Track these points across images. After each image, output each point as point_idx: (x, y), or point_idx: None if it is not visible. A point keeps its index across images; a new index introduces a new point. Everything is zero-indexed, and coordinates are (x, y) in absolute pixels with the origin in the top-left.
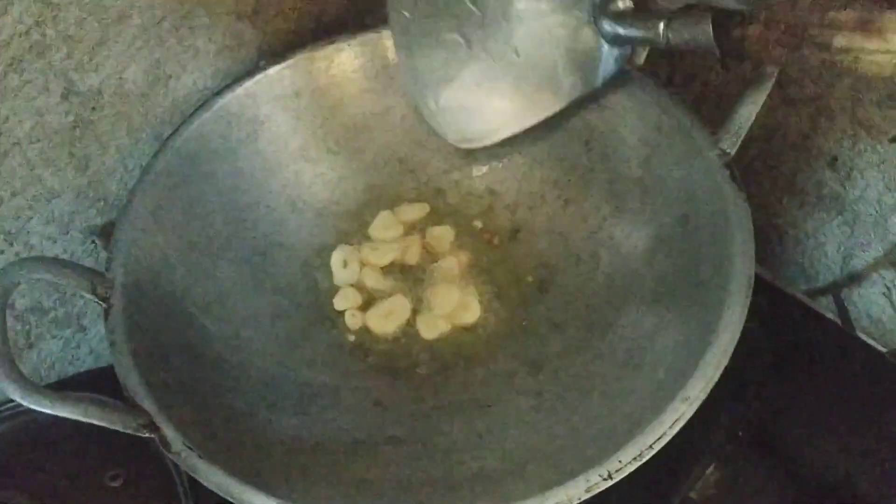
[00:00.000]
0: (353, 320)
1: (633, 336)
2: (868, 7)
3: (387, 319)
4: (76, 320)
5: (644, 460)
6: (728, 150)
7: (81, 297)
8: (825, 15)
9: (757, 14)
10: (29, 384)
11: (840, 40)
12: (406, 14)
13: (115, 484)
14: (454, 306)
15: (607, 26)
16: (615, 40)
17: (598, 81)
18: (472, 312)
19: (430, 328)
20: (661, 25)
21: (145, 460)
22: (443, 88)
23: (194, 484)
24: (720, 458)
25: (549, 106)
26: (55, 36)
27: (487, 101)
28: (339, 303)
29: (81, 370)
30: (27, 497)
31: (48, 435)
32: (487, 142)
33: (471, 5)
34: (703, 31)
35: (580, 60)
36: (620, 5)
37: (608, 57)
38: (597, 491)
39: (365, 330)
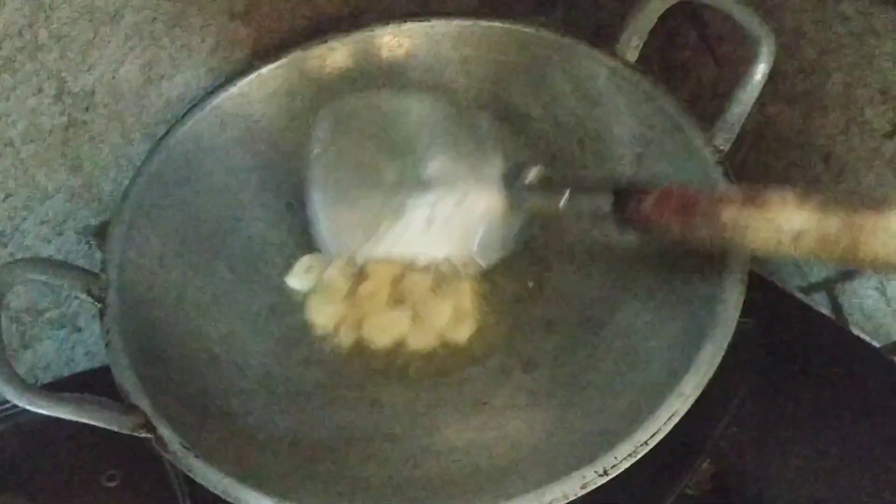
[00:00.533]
0: (346, 336)
1: (628, 333)
2: (754, 186)
3: (383, 333)
4: (71, 321)
5: (639, 456)
6: (722, 148)
7: (76, 297)
8: (714, 190)
9: (650, 189)
10: (25, 385)
11: (727, 214)
12: (328, 170)
13: (112, 484)
14: (447, 320)
15: (514, 197)
16: (520, 210)
17: (507, 245)
18: (466, 328)
19: (422, 342)
20: (565, 197)
21: (141, 461)
22: (364, 245)
23: (190, 484)
24: (715, 453)
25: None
26: (48, 36)
27: (401, 251)
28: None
29: (76, 371)
30: (24, 497)
31: (44, 436)
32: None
33: (389, 167)
34: (603, 202)
35: (489, 227)
36: (529, 177)
37: (515, 222)
38: (592, 487)
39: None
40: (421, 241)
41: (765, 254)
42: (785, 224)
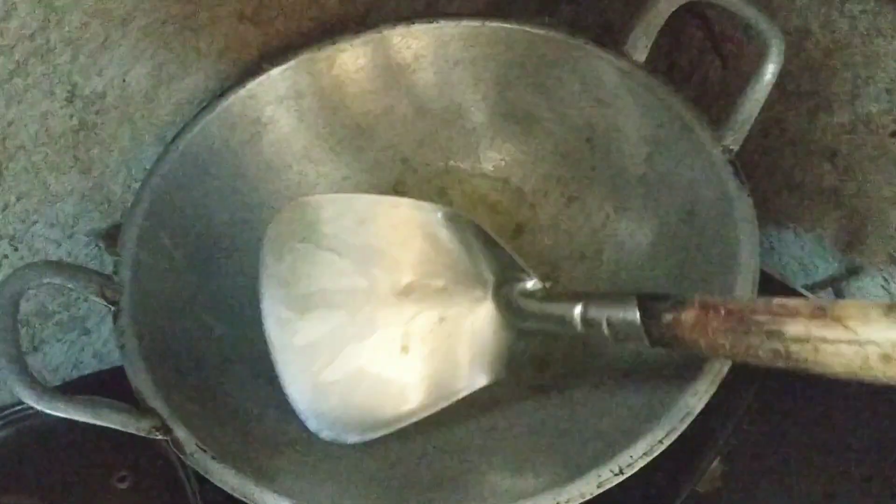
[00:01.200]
0: None
1: None
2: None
3: None
4: (80, 324)
5: (654, 455)
6: (732, 147)
7: (85, 300)
8: (771, 300)
9: (689, 298)
10: (42, 388)
11: (794, 328)
12: (280, 287)
13: (123, 486)
14: None
15: (510, 312)
16: (520, 328)
17: (504, 371)
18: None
19: None
20: (578, 309)
21: (153, 462)
22: (325, 367)
23: (202, 484)
24: (726, 452)
25: (445, 398)
26: (59, 39)
27: (372, 388)
28: None
29: (85, 373)
30: (36, 499)
31: (56, 438)
32: (366, 437)
33: (356, 276)
34: (629, 315)
35: (479, 342)
36: (528, 286)
37: (514, 344)
38: (608, 486)
39: None
40: (394, 368)
41: (846, 376)
42: (871, 341)
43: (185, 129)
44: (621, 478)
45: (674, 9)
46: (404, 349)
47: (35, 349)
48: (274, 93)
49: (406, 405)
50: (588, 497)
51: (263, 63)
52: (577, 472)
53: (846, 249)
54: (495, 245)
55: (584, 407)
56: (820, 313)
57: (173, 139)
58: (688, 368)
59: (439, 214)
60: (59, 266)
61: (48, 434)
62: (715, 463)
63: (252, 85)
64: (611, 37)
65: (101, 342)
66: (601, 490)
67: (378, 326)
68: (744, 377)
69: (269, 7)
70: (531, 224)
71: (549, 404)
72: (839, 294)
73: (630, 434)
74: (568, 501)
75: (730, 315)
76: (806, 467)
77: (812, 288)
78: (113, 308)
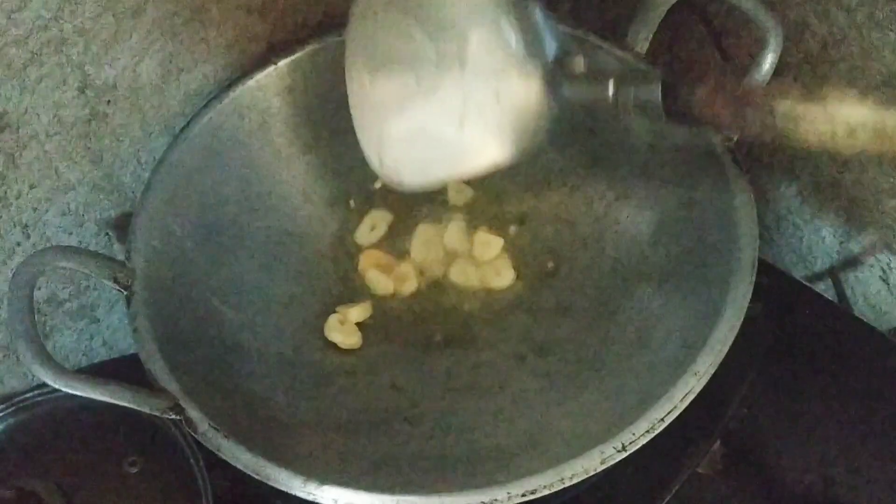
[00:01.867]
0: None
1: (642, 316)
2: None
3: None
4: (90, 312)
5: (656, 433)
6: (731, 136)
7: (95, 289)
8: (770, 83)
9: (705, 77)
10: (59, 367)
11: (783, 106)
12: (364, 44)
13: (134, 470)
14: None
15: (558, 86)
16: (565, 100)
17: (543, 141)
18: (504, 277)
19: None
20: (611, 85)
21: (162, 447)
22: (390, 122)
23: (211, 469)
24: (726, 434)
25: (489, 160)
26: (72, 30)
27: (429, 146)
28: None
29: (94, 361)
30: (49, 483)
31: (68, 423)
32: (420, 186)
33: (427, 43)
34: (652, 92)
35: (526, 118)
36: (576, 68)
37: (554, 115)
38: (611, 463)
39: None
40: (451, 134)
41: (816, 147)
42: (842, 117)
43: (194, 120)
44: (624, 454)
45: (674, 1)
46: (461, 120)
47: (46, 337)
48: (281, 84)
49: (458, 167)
50: (592, 473)
51: (271, 55)
52: (581, 449)
53: (844, 240)
54: (551, 23)
55: (587, 390)
56: (808, 95)
57: (183, 129)
58: (687, 350)
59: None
60: (73, 251)
61: (60, 420)
62: (716, 445)
63: (260, 76)
64: (610, 31)
65: (110, 331)
66: (604, 467)
67: (440, 91)
68: (744, 361)
69: (276, 0)
70: (534, 213)
71: (552, 388)
72: (838, 285)
73: (632, 413)
74: (572, 477)
75: (733, 93)
76: (806, 451)
77: (811, 279)
78: (125, 292)
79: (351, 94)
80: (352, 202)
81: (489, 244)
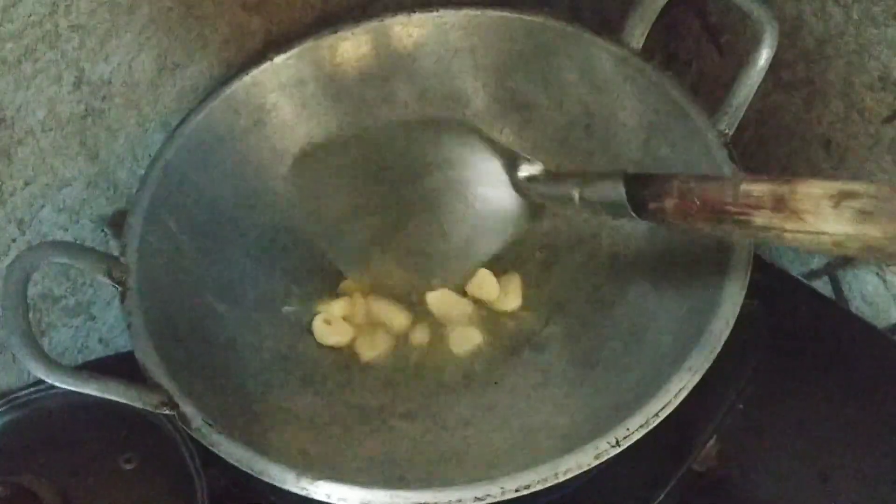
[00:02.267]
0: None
1: (637, 313)
2: (778, 180)
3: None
4: (86, 309)
5: (650, 427)
6: (726, 131)
7: (91, 285)
8: (739, 186)
9: (668, 188)
10: (53, 363)
11: (759, 219)
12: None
13: (129, 466)
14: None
15: (524, 189)
16: (531, 201)
17: (509, 237)
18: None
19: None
20: (573, 188)
21: (158, 444)
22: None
23: (206, 466)
24: (721, 431)
25: (460, 268)
26: (66, 26)
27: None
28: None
29: (90, 359)
30: (45, 480)
31: (63, 421)
32: None
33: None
34: (616, 192)
35: (496, 221)
36: (532, 170)
37: (522, 213)
38: (605, 458)
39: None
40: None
41: (805, 252)
42: (823, 232)
43: (190, 116)
44: (618, 450)
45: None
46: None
47: (42, 334)
48: (277, 80)
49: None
50: (585, 468)
51: (267, 51)
52: (575, 445)
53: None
54: (494, 142)
55: (581, 385)
56: (781, 206)
57: (178, 125)
58: (682, 346)
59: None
60: (67, 246)
61: (55, 417)
62: (711, 442)
63: (256, 72)
64: (607, 27)
65: (106, 328)
66: (598, 462)
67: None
68: (739, 357)
69: None
70: None
71: (547, 384)
72: (836, 283)
73: (627, 409)
74: (566, 472)
75: (705, 206)
76: (801, 447)
77: (808, 277)
78: (120, 288)
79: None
80: None
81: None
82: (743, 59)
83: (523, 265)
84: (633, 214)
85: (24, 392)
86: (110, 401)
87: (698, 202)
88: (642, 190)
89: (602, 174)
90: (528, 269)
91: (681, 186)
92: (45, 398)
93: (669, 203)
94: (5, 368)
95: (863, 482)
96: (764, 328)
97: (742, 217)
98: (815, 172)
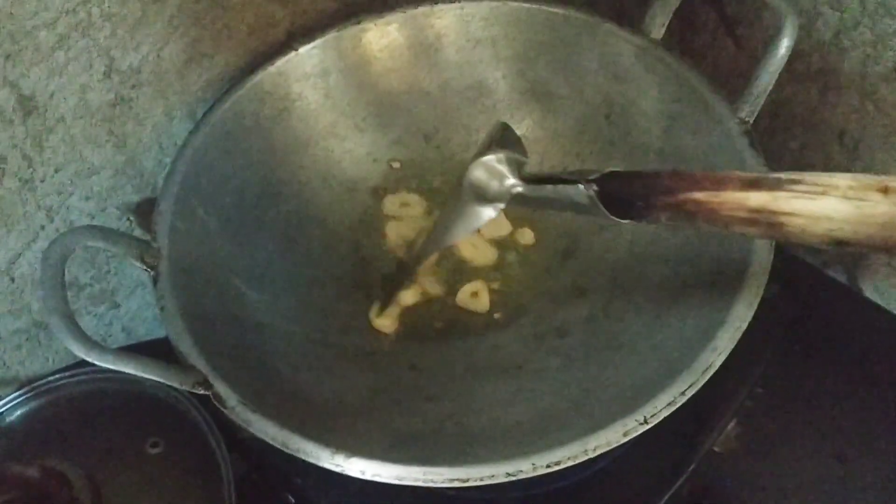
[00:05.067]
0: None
1: (659, 296)
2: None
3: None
4: (110, 297)
5: (677, 406)
6: (747, 119)
7: (115, 273)
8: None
9: (654, 207)
10: (94, 343)
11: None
12: None
13: (155, 451)
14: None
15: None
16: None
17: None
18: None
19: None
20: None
21: (183, 429)
22: None
23: (231, 450)
24: (741, 414)
25: None
26: (99, 14)
27: None
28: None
29: (113, 347)
30: (73, 464)
31: (91, 406)
32: None
33: None
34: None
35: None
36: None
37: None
38: (633, 435)
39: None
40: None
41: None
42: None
43: (216, 105)
44: (646, 427)
45: None
46: None
47: None
48: (301, 70)
49: None
50: (615, 445)
51: (291, 41)
52: (603, 423)
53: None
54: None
55: (606, 368)
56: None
57: (205, 114)
58: (706, 327)
59: None
60: (103, 231)
61: (81, 403)
62: (731, 424)
63: (281, 62)
64: (625, 18)
65: (129, 316)
66: (627, 439)
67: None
68: (759, 341)
69: None
70: None
71: (571, 367)
72: (850, 270)
73: (653, 389)
74: (596, 449)
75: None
76: (819, 429)
77: (823, 266)
78: (152, 272)
79: None
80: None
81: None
82: (758, 50)
83: (544, 253)
84: (613, 218)
85: (50, 378)
86: (135, 388)
87: (699, 216)
88: (628, 212)
89: (571, 176)
90: (548, 256)
91: (666, 202)
92: (70, 385)
93: (663, 216)
94: (32, 355)
95: (880, 463)
96: (783, 313)
97: (736, 229)
98: (829, 163)
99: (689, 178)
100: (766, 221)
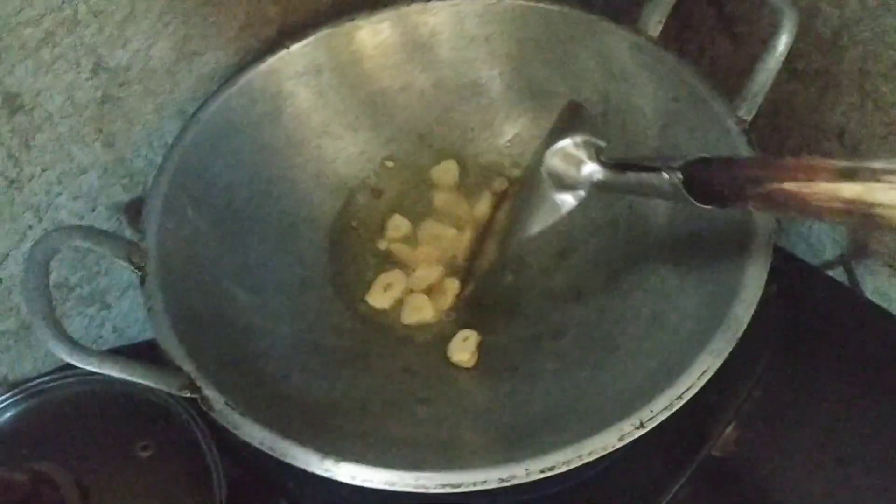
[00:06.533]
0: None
1: (657, 298)
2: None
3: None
4: (101, 297)
5: (674, 410)
6: (745, 118)
7: (106, 274)
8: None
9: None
10: (78, 345)
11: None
12: None
13: (146, 454)
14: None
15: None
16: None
17: None
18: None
19: None
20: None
21: (174, 432)
22: None
23: (222, 454)
24: (740, 417)
25: None
26: (86, 11)
27: None
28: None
29: (104, 348)
30: (62, 467)
31: (78, 409)
32: None
33: None
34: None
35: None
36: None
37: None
38: (629, 440)
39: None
40: None
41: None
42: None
43: (206, 103)
44: (642, 431)
45: None
46: None
47: None
48: (293, 68)
49: None
50: (610, 449)
51: (282, 39)
52: (599, 427)
53: (853, 228)
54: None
55: (602, 371)
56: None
57: (195, 112)
58: (704, 330)
59: None
60: (89, 230)
61: (71, 405)
62: (730, 428)
63: (272, 60)
64: (623, 15)
65: (120, 317)
66: (623, 443)
67: None
68: (757, 344)
69: None
70: None
71: (567, 369)
72: (850, 272)
73: (649, 392)
74: (591, 454)
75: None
76: (819, 433)
77: (823, 267)
78: (139, 273)
79: None
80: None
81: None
82: (757, 49)
83: (539, 253)
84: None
85: (39, 380)
86: (125, 390)
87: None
88: (712, 178)
89: (654, 163)
90: (543, 257)
91: (757, 193)
92: (59, 387)
93: (749, 192)
94: (20, 356)
95: (880, 466)
96: (781, 315)
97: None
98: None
99: (779, 167)
100: (861, 213)
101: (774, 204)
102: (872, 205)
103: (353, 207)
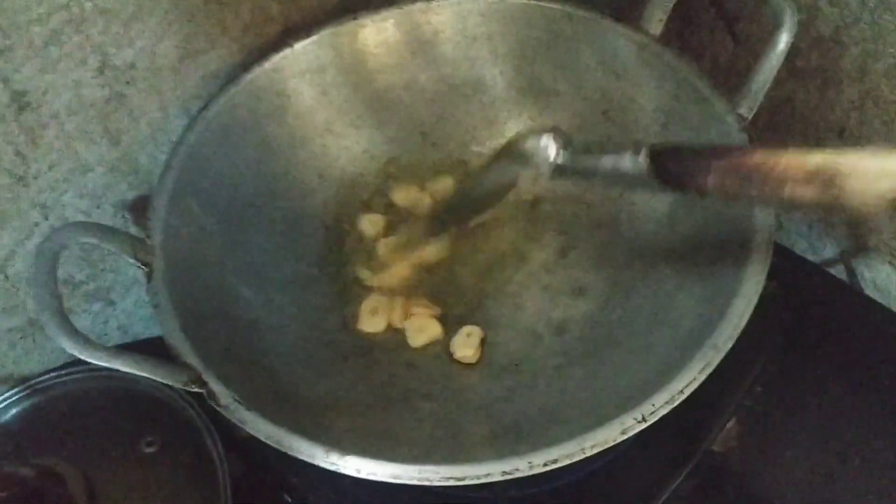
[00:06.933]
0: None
1: (658, 295)
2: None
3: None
4: (106, 294)
5: (675, 404)
6: (746, 116)
7: (111, 271)
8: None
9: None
10: (86, 340)
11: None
12: None
13: (151, 450)
14: None
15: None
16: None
17: None
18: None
19: None
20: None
21: (179, 428)
22: None
23: (227, 450)
24: (740, 412)
25: None
26: (92, 9)
27: None
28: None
29: (109, 346)
30: (68, 463)
31: (84, 405)
32: None
33: None
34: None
35: None
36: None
37: None
38: (631, 434)
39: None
40: None
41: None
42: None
43: (211, 101)
44: (644, 425)
45: None
46: None
47: None
48: (297, 67)
49: None
50: (612, 443)
51: (287, 37)
52: (600, 421)
53: (853, 226)
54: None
55: (604, 366)
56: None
57: (200, 110)
58: (705, 325)
59: None
60: (96, 227)
61: (77, 402)
62: (730, 423)
63: (276, 59)
64: (624, 14)
65: (125, 315)
66: (624, 437)
67: None
68: (758, 339)
69: None
70: (548, 195)
71: (569, 365)
72: (850, 269)
73: (651, 386)
74: (593, 447)
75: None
76: (820, 428)
77: (823, 265)
78: (146, 269)
79: None
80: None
81: None
82: (757, 47)
83: (541, 250)
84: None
85: (45, 377)
86: (130, 386)
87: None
88: (674, 164)
89: (624, 147)
90: (545, 254)
91: (729, 161)
92: (65, 383)
93: (713, 165)
94: (27, 354)
95: (881, 462)
96: (782, 310)
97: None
98: None
99: (746, 148)
100: (824, 180)
101: (739, 178)
102: (836, 172)
103: (357, 204)
